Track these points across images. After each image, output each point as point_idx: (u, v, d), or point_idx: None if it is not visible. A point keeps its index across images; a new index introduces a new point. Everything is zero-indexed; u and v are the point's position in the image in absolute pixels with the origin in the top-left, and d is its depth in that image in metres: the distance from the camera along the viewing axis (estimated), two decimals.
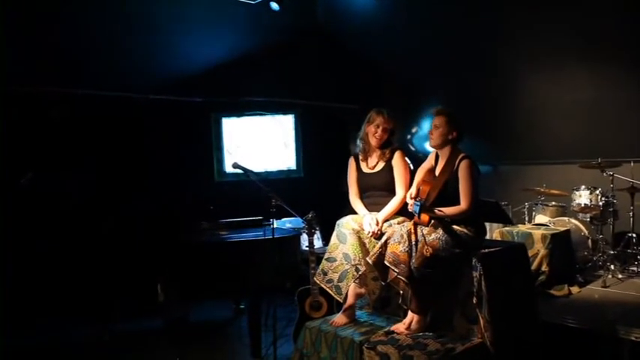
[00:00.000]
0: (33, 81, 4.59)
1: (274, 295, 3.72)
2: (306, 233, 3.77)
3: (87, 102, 5.00)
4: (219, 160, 5.82)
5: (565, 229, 4.54)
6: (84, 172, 4.87)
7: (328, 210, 4.07)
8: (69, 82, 4.85)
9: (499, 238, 4.45)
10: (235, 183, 5.38)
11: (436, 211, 3.06)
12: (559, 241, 4.33)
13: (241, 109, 5.96)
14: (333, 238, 3.39)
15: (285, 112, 6.14)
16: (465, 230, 3.08)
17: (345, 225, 3.38)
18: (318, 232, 5.12)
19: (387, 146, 3.56)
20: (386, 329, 3.17)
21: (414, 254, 3.03)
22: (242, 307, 4.79)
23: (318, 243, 5.02)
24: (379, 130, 3.50)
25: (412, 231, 3.07)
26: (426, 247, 2.99)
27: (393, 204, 3.47)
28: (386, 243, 3.14)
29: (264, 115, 6.04)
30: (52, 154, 4.71)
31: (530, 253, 4.24)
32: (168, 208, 5.11)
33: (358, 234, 3.35)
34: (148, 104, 5.35)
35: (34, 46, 4.33)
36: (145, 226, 4.71)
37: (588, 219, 4.90)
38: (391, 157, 3.55)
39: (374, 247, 3.24)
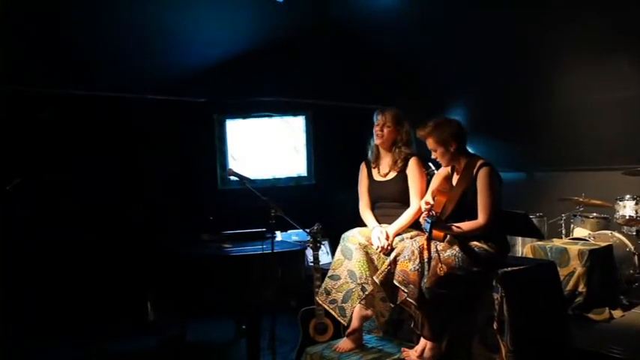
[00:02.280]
0: (20, 80, 4.65)
1: (277, 314, 3.69)
2: (311, 247, 3.72)
3: (78, 102, 5.04)
4: (223, 166, 5.81)
5: (607, 244, 4.44)
6: (74, 178, 4.90)
7: (342, 221, 4.02)
8: (59, 81, 4.89)
9: (530, 255, 4.38)
10: (240, 191, 5.31)
11: (453, 227, 2.98)
12: (599, 258, 4.23)
13: (247, 110, 5.94)
14: (338, 254, 3.35)
15: (295, 114, 6.10)
16: (485, 246, 3.01)
17: (351, 239, 3.34)
18: (325, 246, 5.09)
19: (399, 150, 3.50)
20: (395, 357, 3.11)
21: (426, 273, 2.97)
22: (244, 327, 4.75)
23: (327, 258, 4.98)
24: (377, 128, 3.51)
25: (424, 247, 3.01)
26: (440, 265, 2.93)
27: (406, 216, 3.43)
28: (395, 260, 3.09)
29: (272, 116, 6.02)
30: (40, 158, 4.75)
31: (566, 271, 4.16)
32: (166, 217, 5.11)
33: (365, 249, 3.31)
34: (146, 105, 5.35)
35: (20, 43, 4.38)
36: (139, 237, 4.71)
37: (634, 232, 4.76)
38: (405, 165, 3.50)
39: (383, 263, 3.19)
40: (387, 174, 3.57)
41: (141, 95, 5.35)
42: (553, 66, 5.17)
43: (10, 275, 4.28)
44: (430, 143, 3.12)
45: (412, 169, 3.49)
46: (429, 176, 3.65)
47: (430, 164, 4.22)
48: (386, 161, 3.59)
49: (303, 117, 6.13)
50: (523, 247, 4.77)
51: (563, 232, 5.07)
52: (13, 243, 4.42)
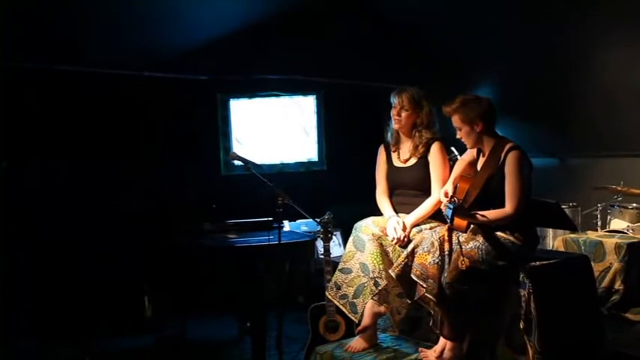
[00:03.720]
0: (6, 55, 4.66)
1: (285, 311, 3.72)
2: (322, 238, 3.73)
3: (70, 80, 5.06)
4: (227, 150, 5.82)
5: None
6: (65, 163, 4.93)
7: (355, 210, 4.03)
8: (49, 56, 4.91)
9: (562, 248, 4.38)
10: (245, 177, 5.35)
11: (477, 215, 2.98)
12: (638, 253, 4.19)
13: (253, 89, 5.94)
14: (349, 245, 3.37)
15: (305, 93, 6.10)
16: (512, 238, 3.01)
17: (364, 229, 3.35)
18: (337, 237, 5.10)
19: (419, 134, 3.49)
20: (412, 357, 3.14)
21: (446, 267, 2.98)
22: (249, 324, 4.79)
23: (338, 250, 4.99)
24: (395, 112, 3.51)
25: (445, 238, 3.03)
26: (461, 258, 2.94)
27: (426, 206, 3.43)
28: (413, 252, 3.10)
29: (281, 96, 6.02)
30: (28, 140, 4.78)
31: (601, 266, 4.16)
32: (164, 205, 5.14)
33: (379, 240, 3.31)
34: (143, 83, 5.37)
35: (9, 17, 4.39)
36: (135, 227, 4.75)
37: None
38: (427, 150, 3.50)
39: (398, 256, 3.19)
40: (407, 160, 3.57)
41: (137, 72, 5.35)
42: (591, 40, 5.09)
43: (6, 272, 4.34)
44: (455, 121, 3.13)
45: (435, 154, 3.49)
46: (451, 162, 3.64)
47: (453, 149, 4.21)
48: (407, 146, 3.59)
49: (314, 97, 6.12)
50: (554, 240, 4.74)
51: (599, 223, 5.03)
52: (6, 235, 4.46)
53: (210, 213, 4.33)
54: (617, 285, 4.10)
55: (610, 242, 4.21)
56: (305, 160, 6.13)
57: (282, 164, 5.99)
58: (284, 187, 3.58)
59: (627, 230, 4.59)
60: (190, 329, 4.43)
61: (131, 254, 4.31)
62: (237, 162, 3.85)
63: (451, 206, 2.92)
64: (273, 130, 6.01)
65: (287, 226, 5.02)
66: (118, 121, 5.26)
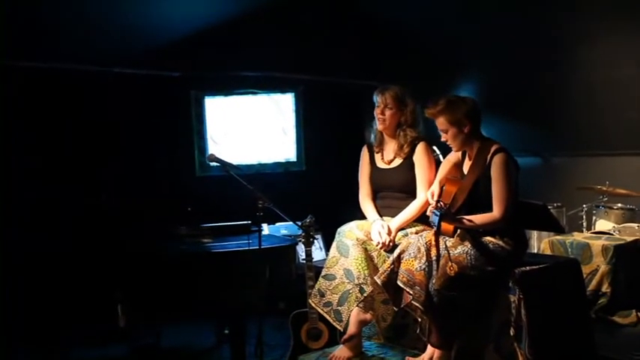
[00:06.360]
0: None
1: (265, 318, 3.70)
2: (303, 243, 3.71)
3: (35, 76, 4.95)
4: (202, 150, 5.77)
5: (634, 238, 4.44)
6: (29, 162, 4.83)
7: (338, 213, 4.04)
8: (16, 52, 4.79)
9: (548, 251, 4.40)
10: (222, 178, 5.32)
11: (464, 220, 2.98)
12: (625, 254, 4.24)
13: (229, 87, 5.90)
14: (333, 250, 3.37)
15: (283, 91, 6.07)
16: (501, 243, 3.02)
17: (348, 234, 3.35)
18: (319, 242, 5.08)
19: (404, 133, 3.49)
20: None
21: (434, 273, 2.98)
22: (226, 332, 4.76)
23: (320, 254, 4.98)
24: (378, 111, 3.51)
25: (432, 243, 3.03)
26: (449, 263, 2.95)
27: (411, 209, 3.45)
28: (399, 258, 3.10)
29: (258, 93, 5.98)
30: None
31: (588, 269, 4.18)
32: (137, 208, 5.07)
33: (364, 245, 3.31)
34: (113, 79, 5.28)
35: None
36: (106, 231, 4.68)
37: None
38: (412, 151, 3.50)
39: (384, 261, 3.20)
40: (391, 161, 3.60)
41: (106, 68, 5.27)
42: (576, 35, 5.15)
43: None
44: (441, 123, 3.10)
45: (420, 155, 3.51)
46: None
47: (435, 148, 4.22)
48: (391, 147, 3.61)
49: (293, 94, 6.08)
50: (539, 242, 4.78)
51: (584, 224, 5.08)
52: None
53: (185, 216, 4.28)
54: (605, 288, 4.13)
55: (597, 244, 4.24)
56: (283, 160, 6.10)
57: (260, 164, 5.95)
58: (262, 188, 3.55)
59: (613, 231, 4.63)
60: (165, 337, 4.38)
61: (102, 259, 4.24)
62: (214, 163, 3.81)
63: (437, 212, 2.91)
64: (250, 129, 5.96)
65: (266, 229, 5.00)
66: (87, 119, 5.17)
